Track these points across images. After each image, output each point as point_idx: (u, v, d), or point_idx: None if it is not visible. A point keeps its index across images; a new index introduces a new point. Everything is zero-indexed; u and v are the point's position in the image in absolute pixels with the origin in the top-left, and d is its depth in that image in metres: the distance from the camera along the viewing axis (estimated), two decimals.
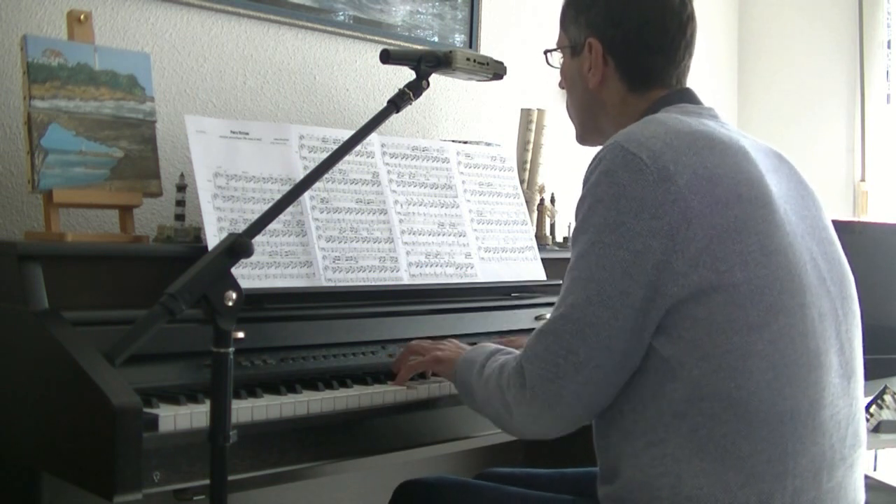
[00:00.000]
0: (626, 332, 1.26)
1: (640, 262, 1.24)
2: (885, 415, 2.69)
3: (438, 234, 2.01)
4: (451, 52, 1.71)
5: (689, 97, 1.48)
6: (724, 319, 1.24)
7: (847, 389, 1.35)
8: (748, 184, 1.31)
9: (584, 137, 1.61)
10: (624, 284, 1.25)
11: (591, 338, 1.26)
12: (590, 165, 1.34)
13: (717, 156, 1.31)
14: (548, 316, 1.33)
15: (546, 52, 1.63)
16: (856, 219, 3.39)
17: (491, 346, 1.52)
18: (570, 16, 1.55)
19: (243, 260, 1.23)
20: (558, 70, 1.61)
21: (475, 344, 1.58)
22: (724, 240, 1.25)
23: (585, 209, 1.31)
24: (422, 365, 1.64)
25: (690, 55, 1.51)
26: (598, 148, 1.36)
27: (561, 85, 1.61)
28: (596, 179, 1.30)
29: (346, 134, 1.68)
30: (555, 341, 1.28)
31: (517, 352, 1.42)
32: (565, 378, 1.28)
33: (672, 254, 1.24)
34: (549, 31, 1.65)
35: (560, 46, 1.59)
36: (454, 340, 1.69)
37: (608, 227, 1.27)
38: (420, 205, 2.00)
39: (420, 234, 1.97)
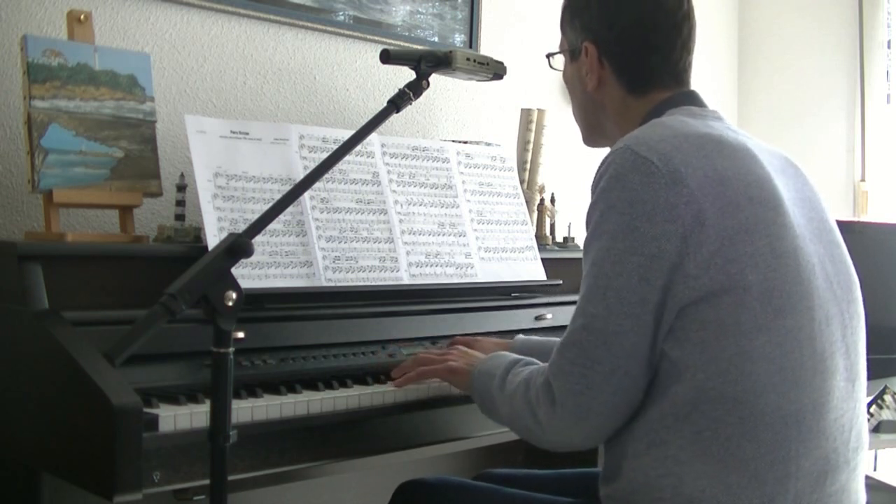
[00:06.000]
0: (648, 336, 1.25)
1: (656, 267, 1.23)
2: (886, 415, 2.69)
3: (438, 234, 2.01)
4: (451, 52, 1.71)
5: (693, 100, 1.47)
6: (732, 321, 1.23)
7: (851, 392, 1.34)
8: (758, 185, 1.30)
9: (589, 140, 1.60)
10: (642, 290, 1.24)
11: (615, 347, 1.25)
12: (598, 170, 1.32)
13: (726, 158, 1.30)
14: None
15: (548, 55, 1.63)
16: (856, 219, 3.39)
17: (507, 355, 1.49)
18: (567, 19, 1.55)
19: (243, 260, 1.23)
20: (561, 73, 1.61)
21: (480, 349, 1.56)
22: (735, 242, 1.24)
23: (598, 216, 1.29)
24: (434, 373, 1.61)
25: (689, 53, 1.49)
26: (604, 150, 1.35)
27: None
28: (606, 184, 1.28)
29: (346, 134, 1.68)
30: (579, 354, 1.27)
31: (537, 362, 1.41)
32: (594, 389, 1.26)
33: (685, 256, 1.23)
34: (549, 31, 1.65)
35: (560, 50, 1.59)
36: (460, 347, 1.68)
37: (621, 232, 1.25)
38: (420, 205, 2.00)
39: (420, 234, 1.97)
